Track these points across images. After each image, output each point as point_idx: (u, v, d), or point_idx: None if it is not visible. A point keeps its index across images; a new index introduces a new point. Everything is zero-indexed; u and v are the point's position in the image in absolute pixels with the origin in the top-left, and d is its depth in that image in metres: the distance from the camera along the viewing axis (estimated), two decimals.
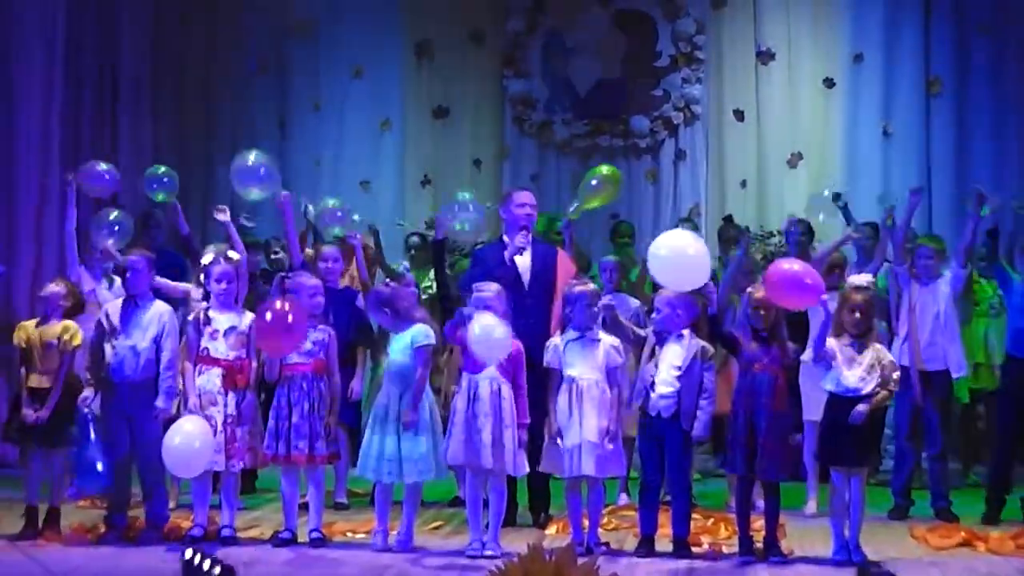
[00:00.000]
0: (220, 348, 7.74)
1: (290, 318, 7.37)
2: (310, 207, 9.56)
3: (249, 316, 7.80)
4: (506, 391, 7.41)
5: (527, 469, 7.60)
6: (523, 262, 8.40)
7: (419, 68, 13.01)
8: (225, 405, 7.68)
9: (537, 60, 12.96)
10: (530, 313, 8.01)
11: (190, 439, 7.49)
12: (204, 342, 7.75)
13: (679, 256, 7.32)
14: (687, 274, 7.33)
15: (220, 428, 7.64)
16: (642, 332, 7.70)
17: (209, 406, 7.66)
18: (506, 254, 8.32)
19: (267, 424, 7.72)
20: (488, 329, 7.16)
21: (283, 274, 8.39)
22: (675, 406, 7.42)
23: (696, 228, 10.86)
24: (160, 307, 7.87)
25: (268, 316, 7.38)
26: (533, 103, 12.91)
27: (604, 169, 9.11)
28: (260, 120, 13.01)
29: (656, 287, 7.75)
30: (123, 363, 7.71)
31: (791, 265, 7.36)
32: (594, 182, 8.94)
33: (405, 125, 12.98)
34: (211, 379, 7.70)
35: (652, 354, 7.52)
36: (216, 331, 7.75)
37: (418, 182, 12.90)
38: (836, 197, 9.51)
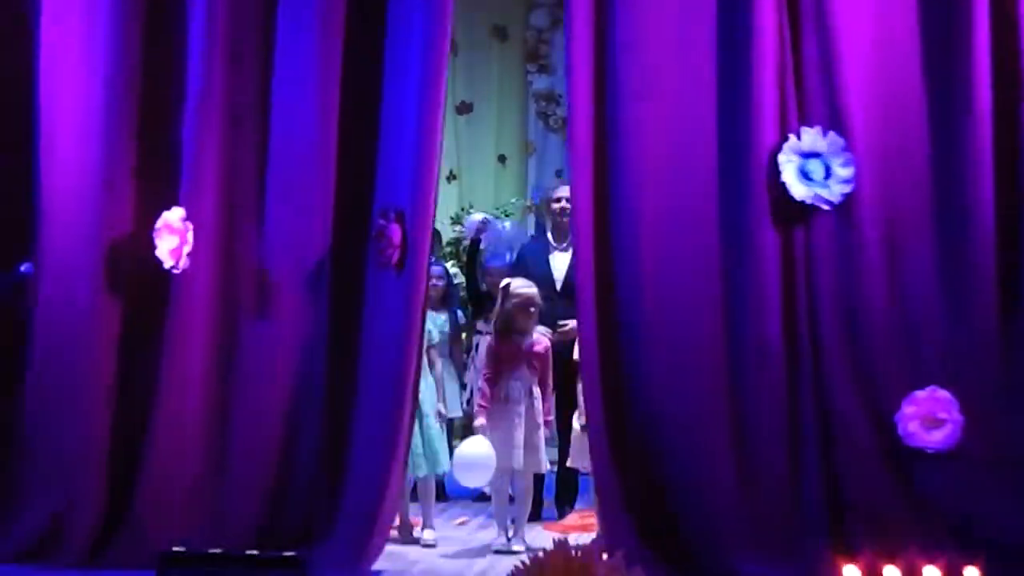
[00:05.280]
0: None
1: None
2: None
3: None
4: (536, 391, 7.43)
5: (548, 465, 7.65)
6: (561, 261, 8.37)
7: None
8: None
9: (560, 55, 12.94)
10: (561, 313, 7.96)
11: None
12: None
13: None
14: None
15: None
16: None
17: None
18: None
19: None
20: (473, 448, 7.18)
21: None
22: None
23: None
24: None
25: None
26: (557, 98, 12.91)
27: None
28: None
29: None
30: None
31: None
32: None
33: None
34: None
35: None
36: None
37: (444, 177, 12.90)
38: None
